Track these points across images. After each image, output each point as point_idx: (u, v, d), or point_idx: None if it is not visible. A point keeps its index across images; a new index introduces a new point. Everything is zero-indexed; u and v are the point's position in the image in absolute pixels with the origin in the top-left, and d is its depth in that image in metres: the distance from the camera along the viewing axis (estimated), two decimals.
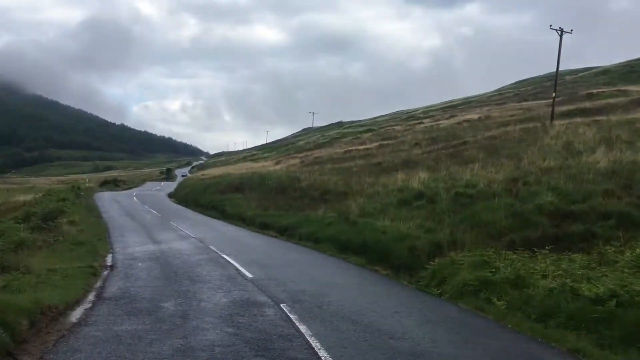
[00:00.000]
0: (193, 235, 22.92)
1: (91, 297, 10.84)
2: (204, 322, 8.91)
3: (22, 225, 22.31)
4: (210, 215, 33.40)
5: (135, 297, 10.85)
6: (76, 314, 9.26)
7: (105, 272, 13.84)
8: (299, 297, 11.16)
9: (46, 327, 8.04)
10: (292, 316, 9.45)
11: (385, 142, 64.25)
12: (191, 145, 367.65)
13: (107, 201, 41.98)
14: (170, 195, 51.79)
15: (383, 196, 26.44)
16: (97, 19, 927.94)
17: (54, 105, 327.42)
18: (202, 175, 65.32)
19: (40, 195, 36.68)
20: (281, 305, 10.31)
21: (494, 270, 12.00)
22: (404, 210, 22.05)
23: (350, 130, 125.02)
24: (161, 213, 33.29)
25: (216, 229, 26.20)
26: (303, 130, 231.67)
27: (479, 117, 64.62)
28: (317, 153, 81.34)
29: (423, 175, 28.27)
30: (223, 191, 38.25)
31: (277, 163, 72.59)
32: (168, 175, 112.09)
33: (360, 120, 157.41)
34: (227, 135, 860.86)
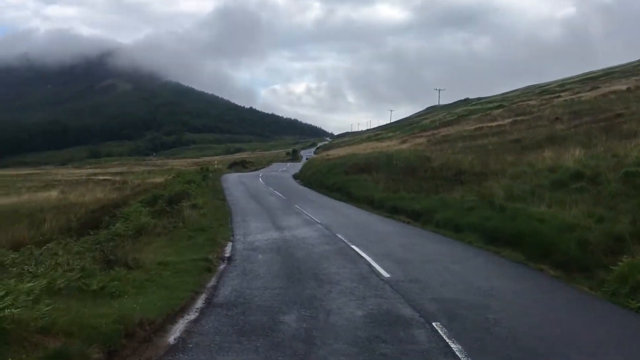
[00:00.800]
0: (318, 220, 20.94)
1: (200, 302, 8.99)
2: (334, 352, 6.59)
3: (146, 209, 21.62)
4: (335, 198, 31.44)
5: (251, 304, 8.83)
6: (176, 331, 7.36)
7: (222, 266, 12.09)
8: (455, 310, 8.53)
9: (133, 354, 6.12)
10: (453, 345, 6.86)
11: (519, 118, 59.46)
12: (316, 127, 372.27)
13: (233, 183, 41.68)
14: (295, 177, 50.77)
15: (531, 177, 22.97)
16: (227, 7, 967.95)
17: (189, 92, 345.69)
18: (327, 155, 63.90)
19: (171, 177, 36.88)
20: (434, 324, 7.76)
21: None
22: (560, 194, 18.56)
23: (478, 107, 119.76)
24: (286, 195, 31.90)
25: (342, 213, 24.09)
26: (427, 108, 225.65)
27: (628, 88, 57.08)
28: (444, 131, 78.08)
29: (577, 152, 24.26)
30: (348, 172, 36.13)
31: (403, 142, 69.78)
32: (294, 157, 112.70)
33: (488, 97, 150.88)
34: (351, 115, 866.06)
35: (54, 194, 44.64)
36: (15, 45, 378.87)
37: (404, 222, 21.46)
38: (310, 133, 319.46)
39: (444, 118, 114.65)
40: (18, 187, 65.45)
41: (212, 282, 10.54)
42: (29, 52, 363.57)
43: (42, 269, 9.79)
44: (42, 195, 44.39)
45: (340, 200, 30.26)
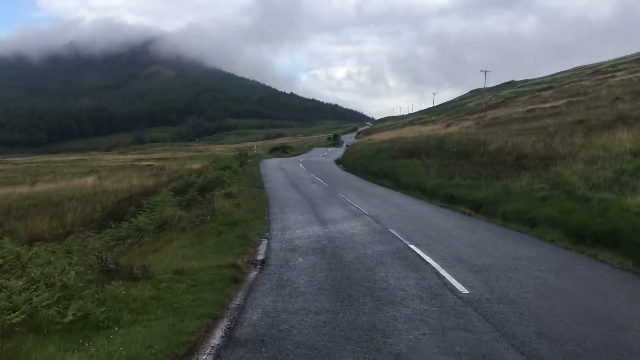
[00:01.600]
0: (366, 211, 18.32)
1: (217, 335, 6.48)
2: None
3: (175, 198, 19.40)
4: (382, 185, 28.68)
5: (287, 339, 6.28)
6: None
7: (252, 275, 9.59)
8: (583, 358, 5.78)
9: None
10: None
11: (574, 99, 55.64)
12: (356, 111, 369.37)
13: (272, 169, 39.39)
14: (337, 162, 48.10)
15: (609, 162, 19.86)
16: None
17: (231, 78, 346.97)
18: (369, 140, 60.92)
19: (208, 163, 34.78)
20: None
21: None
22: None
23: (525, 88, 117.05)
24: (328, 182, 29.32)
25: (392, 203, 21.35)
26: (471, 91, 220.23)
27: None
28: (492, 114, 75.40)
29: None
30: (396, 157, 33.26)
31: (448, 125, 66.86)
32: (335, 141, 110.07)
33: (535, 79, 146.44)
34: (392, 100, 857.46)
35: (90, 180, 43.32)
36: (62, 35, 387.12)
37: (464, 213, 18.64)
38: (351, 118, 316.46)
39: (489, 101, 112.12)
40: (64, 173, 65.34)
41: (237, 299, 8.03)
42: (76, 41, 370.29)
43: (21, 283, 7.48)
44: (79, 182, 43.10)
45: (388, 187, 27.52)
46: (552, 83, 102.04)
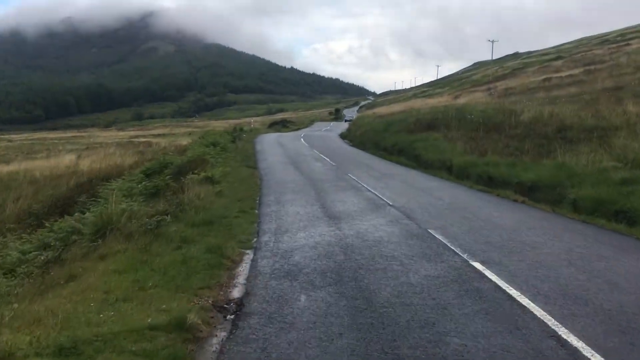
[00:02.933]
0: (388, 200, 13.87)
1: None
2: None
3: (141, 184, 14.92)
4: (399, 163, 24.16)
5: None
6: None
7: (213, 349, 5.09)
8: None
9: None
10: None
11: (590, 67, 51.24)
12: (358, 86, 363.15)
13: (270, 144, 34.80)
14: (342, 137, 43.44)
15: None
16: None
17: (231, 53, 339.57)
18: (376, 112, 56.03)
19: (198, 138, 30.24)
20: None
21: None
22: None
23: (533, 59, 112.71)
24: (334, 160, 24.74)
25: (418, 187, 16.84)
26: (474, 64, 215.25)
27: None
28: (502, 84, 71.39)
29: None
30: (412, 130, 28.61)
31: (456, 97, 62.64)
32: (337, 115, 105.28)
33: (539, 50, 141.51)
34: (394, 73, 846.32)
35: (67, 159, 38.88)
36: (59, 10, 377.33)
37: (515, 201, 14.13)
38: (352, 92, 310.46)
39: (495, 72, 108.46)
40: (59, 150, 61.18)
41: None
42: (73, 16, 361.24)
43: None
44: (55, 161, 38.65)
45: (406, 166, 23.02)
46: (560, 53, 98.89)
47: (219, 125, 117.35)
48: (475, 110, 29.33)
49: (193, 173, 15.49)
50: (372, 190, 15.53)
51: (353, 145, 35.07)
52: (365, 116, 45.98)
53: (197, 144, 24.30)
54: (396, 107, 55.42)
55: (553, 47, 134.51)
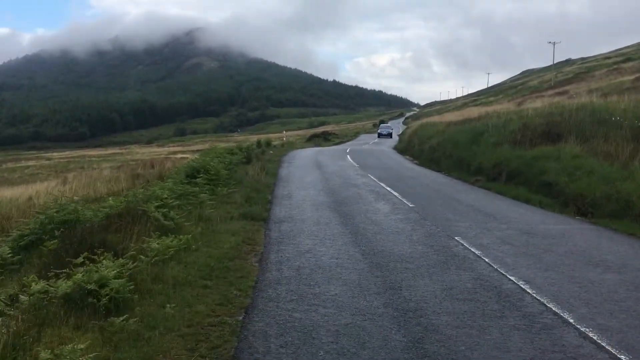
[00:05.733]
0: None
1: None
2: None
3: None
4: (521, 199, 13.59)
5: None
6: None
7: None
8: None
9: None
10: None
11: None
12: (401, 97, 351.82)
13: (303, 165, 24.24)
14: (400, 151, 32.90)
15: None
16: None
17: (273, 67, 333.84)
18: (439, 119, 45.14)
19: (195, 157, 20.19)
20: None
21: None
22: None
23: (593, 64, 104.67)
24: (409, 196, 14.02)
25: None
26: (523, 72, 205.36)
27: None
28: (574, 88, 62.12)
29: None
30: (519, 141, 17.88)
31: (519, 104, 53.30)
32: None
33: (595, 55, 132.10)
34: (437, 85, 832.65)
35: (52, 184, 30.06)
36: (107, 30, 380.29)
37: None
38: (395, 104, 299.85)
39: (555, 77, 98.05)
40: (93, 168, 55.92)
41: None
42: (120, 35, 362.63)
43: None
44: (37, 186, 29.82)
45: (542, 206, 12.41)
46: (627, 56, 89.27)
47: (255, 139, 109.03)
48: (616, 110, 18.44)
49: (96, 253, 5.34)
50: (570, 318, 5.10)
51: (420, 164, 24.47)
52: (429, 124, 35.06)
53: (176, 174, 13.98)
54: (450, 117, 44.68)
55: (612, 52, 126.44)
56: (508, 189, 14.99)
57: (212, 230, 8.61)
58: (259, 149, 28.99)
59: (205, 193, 10.92)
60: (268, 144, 32.96)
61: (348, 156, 29.23)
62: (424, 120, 58.96)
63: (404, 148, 33.26)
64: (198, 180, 12.09)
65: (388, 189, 15.40)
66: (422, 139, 29.53)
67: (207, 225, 8.78)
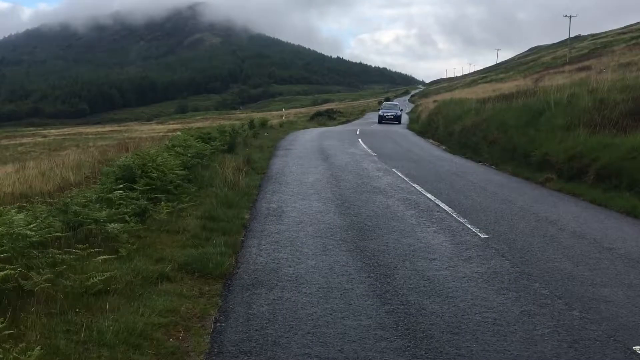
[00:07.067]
0: None
1: None
2: None
3: None
4: (630, 212, 8.58)
5: None
6: None
7: None
8: None
9: None
10: None
11: None
12: (406, 74, 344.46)
13: (304, 153, 18.50)
14: (418, 132, 27.62)
15: None
16: None
17: (276, 43, 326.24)
18: (446, 97, 39.91)
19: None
20: None
21: None
22: None
23: (609, 39, 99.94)
24: (470, 213, 8.90)
25: None
26: (530, 49, 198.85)
27: None
28: (595, 63, 57.04)
29: None
30: (599, 123, 12.87)
31: (536, 80, 49.09)
32: None
33: (606, 32, 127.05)
34: (442, 62, 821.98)
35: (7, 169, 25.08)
36: (107, 4, 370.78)
37: None
38: (400, 81, 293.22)
39: (570, 53, 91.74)
40: (89, 146, 51.33)
41: None
42: (121, 9, 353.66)
43: None
44: None
45: None
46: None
47: (260, 116, 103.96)
48: None
49: None
50: None
51: (451, 152, 19.36)
52: (454, 102, 29.42)
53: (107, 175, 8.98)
54: (462, 94, 39.33)
55: (624, 27, 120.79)
56: (609, 197, 9.94)
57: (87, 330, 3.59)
58: (252, 130, 23.79)
59: (126, 214, 5.92)
60: (263, 124, 27.65)
61: (360, 140, 23.93)
62: (444, 96, 53.69)
63: (424, 129, 28.04)
64: (136, 186, 7.14)
65: (429, 196, 10.31)
66: (449, 119, 24.25)
67: (80, 316, 3.75)
